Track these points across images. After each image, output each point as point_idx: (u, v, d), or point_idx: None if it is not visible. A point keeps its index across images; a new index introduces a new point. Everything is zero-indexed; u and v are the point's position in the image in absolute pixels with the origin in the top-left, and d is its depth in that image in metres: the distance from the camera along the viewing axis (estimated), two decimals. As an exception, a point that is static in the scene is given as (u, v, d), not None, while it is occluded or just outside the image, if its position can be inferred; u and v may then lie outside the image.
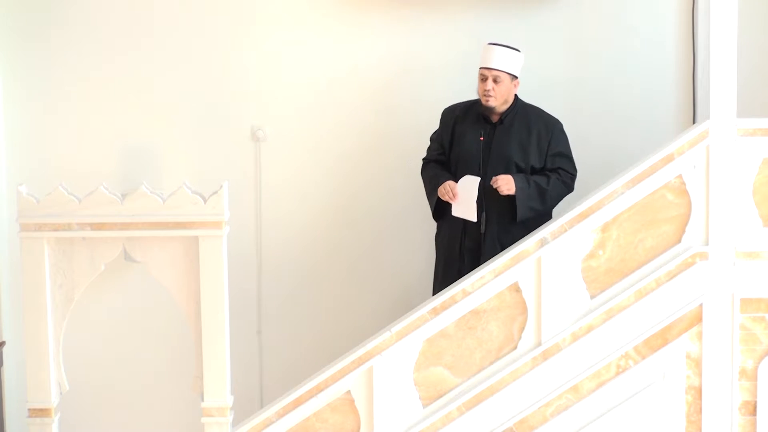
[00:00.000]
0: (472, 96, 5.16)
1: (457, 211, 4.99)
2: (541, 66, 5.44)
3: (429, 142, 5.23)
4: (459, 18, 5.48)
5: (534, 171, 5.03)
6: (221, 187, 4.45)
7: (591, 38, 5.49)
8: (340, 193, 5.59)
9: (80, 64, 5.51)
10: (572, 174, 5.06)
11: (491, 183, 4.93)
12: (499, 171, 4.98)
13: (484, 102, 5.02)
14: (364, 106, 5.54)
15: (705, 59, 4.84)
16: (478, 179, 4.94)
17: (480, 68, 5.03)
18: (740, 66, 4.62)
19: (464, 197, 4.96)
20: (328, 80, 5.54)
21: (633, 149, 5.23)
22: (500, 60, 4.98)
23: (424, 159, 5.22)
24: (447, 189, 4.97)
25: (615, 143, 5.46)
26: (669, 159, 4.59)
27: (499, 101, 5.01)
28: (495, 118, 5.06)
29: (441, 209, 5.10)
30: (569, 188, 5.05)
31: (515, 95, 5.08)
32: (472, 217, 4.96)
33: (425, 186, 5.15)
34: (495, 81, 4.99)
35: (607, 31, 5.49)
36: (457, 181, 4.99)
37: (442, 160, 5.15)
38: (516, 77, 5.03)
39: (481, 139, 5.02)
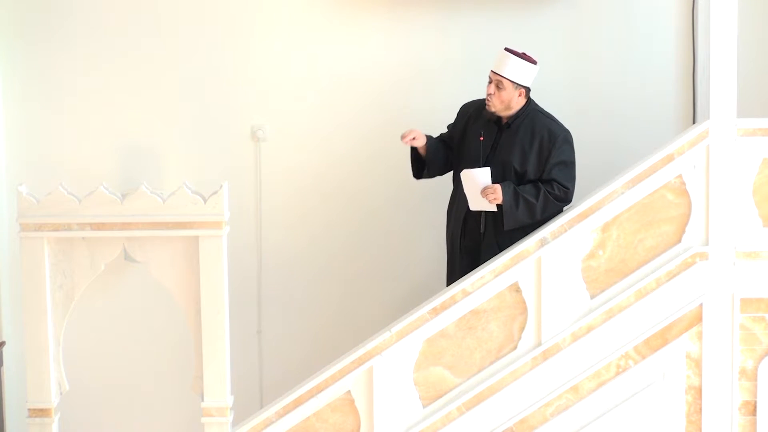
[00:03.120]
0: (474, 97, 5.17)
1: (474, 205, 4.96)
2: (541, 67, 5.42)
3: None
4: (460, 19, 5.47)
5: (531, 180, 4.99)
6: (221, 187, 4.45)
7: (591, 38, 5.49)
8: (340, 193, 5.59)
9: (80, 63, 5.51)
10: (566, 187, 4.94)
11: (480, 192, 4.92)
12: (497, 174, 4.95)
13: (486, 105, 5.00)
14: (364, 106, 5.54)
15: (705, 59, 4.84)
16: (488, 169, 4.92)
17: (490, 70, 5.02)
18: (740, 66, 4.62)
19: (476, 190, 4.92)
20: (329, 80, 5.54)
21: (633, 149, 5.22)
22: (507, 68, 4.94)
23: None
24: (407, 131, 4.99)
25: (615, 143, 5.45)
26: (669, 159, 4.60)
27: (498, 107, 4.98)
28: (504, 122, 5.04)
29: (420, 167, 5.12)
30: (561, 201, 4.93)
31: (529, 100, 5.04)
32: (491, 206, 4.93)
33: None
34: (497, 86, 4.96)
35: (607, 31, 5.49)
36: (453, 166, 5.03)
37: (446, 142, 5.15)
38: (523, 87, 4.99)
39: (481, 139, 5.02)
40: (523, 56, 4.95)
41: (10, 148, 5.54)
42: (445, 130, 5.24)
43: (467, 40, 5.43)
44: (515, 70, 4.94)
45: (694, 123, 5.32)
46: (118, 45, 5.50)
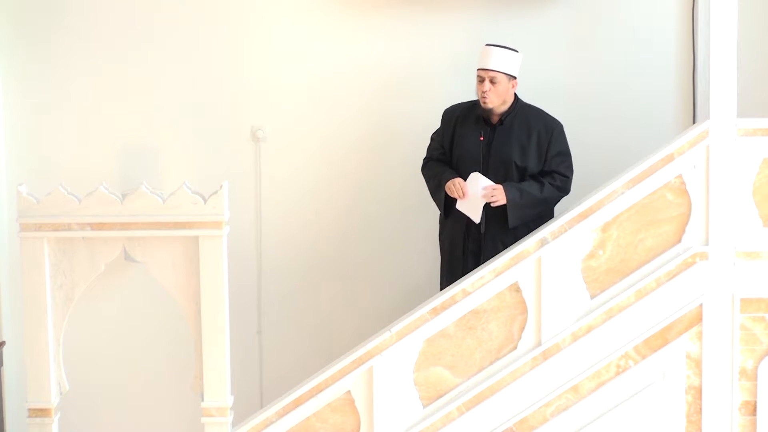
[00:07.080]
0: (473, 96, 5.16)
1: (461, 206, 4.97)
2: (541, 67, 5.44)
3: (430, 141, 5.23)
4: (460, 18, 5.48)
5: (532, 173, 5.01)
6: (221, 187, 4.45)
7: (591, 39, 5.49)
8: (340, 193, 5.59)
9: (80, 63, 5.51)
10: (567, 176, 5.02)
11: (481, 195, 4.92)
12: (499, 172, 4.97)
13: (482, 104, 5.01)
14: (364, 106, 5.54)
15: (705, 59, 4.84)
16: (488, 182, 4.93)
17: (477, 70, 5.03)
18: (740, 66, 4.62)
19: (473, 195, 4.93)
20: (329, 80, 5.54)
21: (633, 149, 5.22)
22: (497, 61, 4.98)
23: (425, 158, 5.21)
24: (457, 187, 4.94)
25: (615, 144, 5.45)
26: (669, 159, 4.60)
27: (496, 102, 5.00)
28: (495, 119, 5.05)
29: (450, 205, 5.07)
30: (563, 192, 5.02)
31: (515, 96, 5.08)
32: (476, 217, 4.94)
33: (428, 183, 5.14)
34: (492, 82, 4.98)
35: (607, 31, 5.49)
36: (463, 179, 4.98)
37: (444, 159, 5.14)
38: (514, 77, 5.02)
39: (481, 138, 5.02)
40: (506, 47, 4.99)
41: (10, 148, 5.54)
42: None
43: (469, 39, 5.43)
44: (505, 62, 4.98)
45: (694, 123, 5.32)
46: (118, 45, 5.50)
